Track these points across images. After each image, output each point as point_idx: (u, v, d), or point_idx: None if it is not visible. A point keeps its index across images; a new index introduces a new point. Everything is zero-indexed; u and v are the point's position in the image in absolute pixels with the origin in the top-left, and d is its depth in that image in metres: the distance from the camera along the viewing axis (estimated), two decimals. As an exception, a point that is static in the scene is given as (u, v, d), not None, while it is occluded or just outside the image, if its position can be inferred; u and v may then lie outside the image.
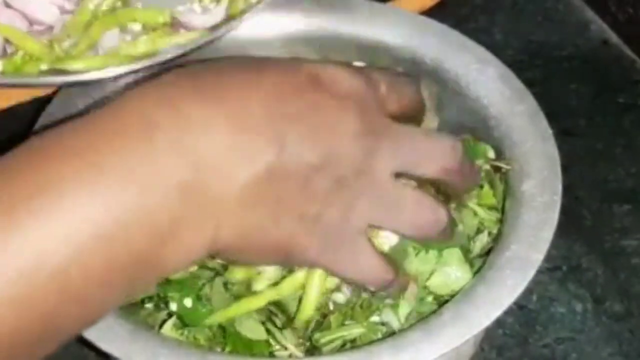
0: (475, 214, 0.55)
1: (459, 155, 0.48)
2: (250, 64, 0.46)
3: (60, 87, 0.60)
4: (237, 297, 0.52)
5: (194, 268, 0.53)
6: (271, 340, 0.51)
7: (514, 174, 0.55)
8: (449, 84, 0.61)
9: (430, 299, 0.52)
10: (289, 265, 0.49)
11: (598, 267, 0.65)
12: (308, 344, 0.50)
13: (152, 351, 0.47)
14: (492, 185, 0.56)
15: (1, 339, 0.36)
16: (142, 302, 0.53)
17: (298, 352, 0.51)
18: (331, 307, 0.51)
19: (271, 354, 0.51)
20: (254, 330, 0.51)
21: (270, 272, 0.51)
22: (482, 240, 0.54)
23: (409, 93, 0.51)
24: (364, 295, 0.51)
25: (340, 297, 0.53)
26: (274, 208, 0.42)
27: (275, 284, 0.51)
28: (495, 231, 0.55)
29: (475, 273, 0.52)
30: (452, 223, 0.50)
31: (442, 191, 0.51)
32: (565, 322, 0.62)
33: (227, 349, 0.51)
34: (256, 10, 0.61)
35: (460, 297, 0.50)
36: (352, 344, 0.50)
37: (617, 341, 0.61)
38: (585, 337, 0.62)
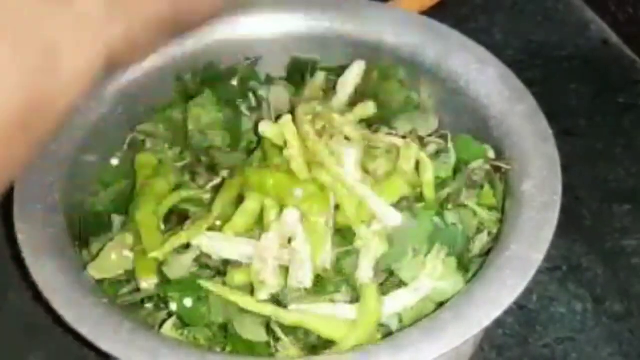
0: (475, 214, 0.55)
1: None
2: None
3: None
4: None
5: (194, 268, 0.54)
6: (271, 341, 0.51)
7: (513, 174, 0.55)
8: (448, 84, 0.61)
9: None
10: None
11: (598, 267, 0.65)
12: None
13: (152, 351, 0.47)
14: (492, 185, 0.56)
15: None
16: (142, 302, 0.53)
17: (298, 353, 0.51)
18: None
19: (271, 355, 0.51)
20: (254, 332, 0.51)
21: (272, 280, 0.51)
22: (482, 240, 0.54)
23: None
24: None
25: (340, 297, 0.53)
26: None
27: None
28: (495, 231, 0.55)
29: (475, 273, 0.52)
30: None
31: None
32: (565, 322, 0.62)
33: (228, 349, 0.51)
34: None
35: (460, 297, 0.50)
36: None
37: (617, 341, 0.61)
38: (585, 337, 0.62)
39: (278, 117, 0.57)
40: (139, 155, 0.59)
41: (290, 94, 0.62)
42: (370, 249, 0.52)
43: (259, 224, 0.54)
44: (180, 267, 0.53)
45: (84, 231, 0.56)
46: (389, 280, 0.53)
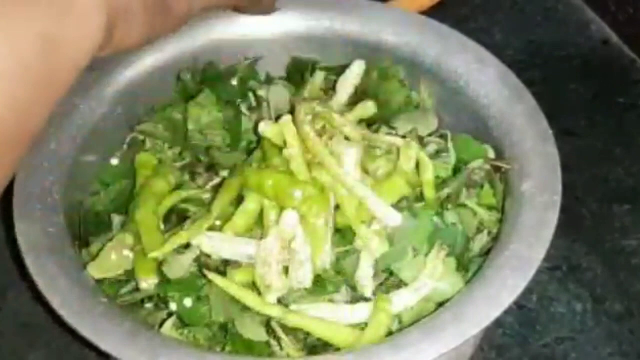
0: (475, 213, 0.55)
1: None
2: None
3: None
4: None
5: (194, 268, 0.54)
6: (271, 341, 0.51)
7: (513, 173, 0.55)
8: (448, 83, 0.61)
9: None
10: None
11: (598, 267, 0.65)
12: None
13: (152, 351, 0.47)
14: (492, 185, 0.56)
15: None
16: (142, 302, 0.53)
17: (298, 353, 0.51)
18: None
19: (271, 355, 0.51)
20: (254, 332, 0.51)
21: (278, 283, 0.51)
22: (482, 240, 0.54)
23: None
24: None
25: (339, 297, 0.53)
26: None
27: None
28: (495, 231, 0.55)
29: (475, 273, 0.52)
30: None
31: None
32: (565, 322, 0.62)
33: (227, 348, 0.51)
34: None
35: (460, 297, 0.50)
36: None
37: (617, 341, 0.62)
38: (585, 337, 0.62)
39: (278, 117, 0.57)
40: (139, 155, 0.59)
41: (290, 94, 0.62)
42: (371, 249, 0.52)
43: (259, 224, 0.54)
44: (180, 267, 0.53)
45: (84, 231, 0.56)
46: (389, 280, 0.53)
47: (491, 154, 0.57)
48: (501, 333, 0.62)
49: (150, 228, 0.54)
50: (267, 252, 0.52)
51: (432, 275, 0.51)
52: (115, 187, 0.59)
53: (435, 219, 0.53)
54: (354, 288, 0.53)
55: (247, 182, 0.54)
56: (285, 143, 0.55)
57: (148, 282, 0.53)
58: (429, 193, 0.55)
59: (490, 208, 0.56)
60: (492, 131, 0.58)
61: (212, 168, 0.59)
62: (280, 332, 0.51)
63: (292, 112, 0.57)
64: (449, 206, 0.55)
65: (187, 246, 0.54)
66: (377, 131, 0.58)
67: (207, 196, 0.57)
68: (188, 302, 0.52)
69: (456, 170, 0.57)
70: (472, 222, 0.55)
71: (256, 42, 0.64)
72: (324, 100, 0.60)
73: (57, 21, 0.40)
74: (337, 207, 0.54)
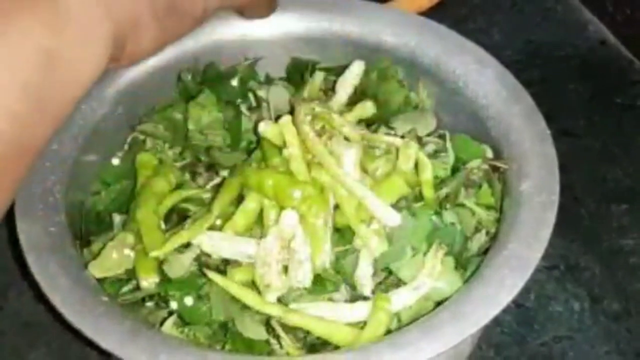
0: (473, 213, 0.55)
1: None
2: None
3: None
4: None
5: (194, 267, 0.54)
6: (271, 340, 0.51)
7: (511, 173, 0.55)
8: (447, 84, 0.61)
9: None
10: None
11: (596, 266, 0.66)
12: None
13: (153, 349, 0.48)
14: (490, 185, 0.57)
15: None
16: (143, 300, 0.54)
17: (297, 352, 0.51)
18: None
19: (270, 353, 0.51)
20: (254, 331, 0.51)
21: (278, 283, 0.52)
22: (480, 239, 0.55)
23: None
24: None
25: (339, 296, 0.53)
26: None
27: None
28: (493, 230, 0.55)
29: (473, 272, 0.52)
30: None
31: None
32: (562, 321, 0.63)
33: (228, 347, 0.51)
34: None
35: (459, 296, 0.50)
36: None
37: (615, 340, 0.62)
38: (582, 336, 0.62)
39: (278, 117, 0.57)
40: (140, 155, 0.60)
41: (290, 94, 0.62)
42: (370, 248, 0.52)
43: (259, 224, 0.55)
44: (181, 266, 0.53)
45: (85, 230, 0.57)
46: (387, 279, 0.53)
47: (489, 154, 0.58)
48: (499, 332, 0.62)
49: (150, 227, 0.55)
50: (267, 251, 0.52)
51: (431, 274, 0.52)
52: (116, 186, 0.59)
53: (434, 218, 0.54)
54: (353, 287, 0.53)
55: (247, 181, 0.55)
56: (284, 143, 0.55)
57: (149, 281, 0.53)
58: (428, 192, 0.55)
59: (488, 207, 0.56)
60: (490, 131, 0.58)
61: (212, 168, 0.59)
62: (279, 331, 0.51)
63: (291, 112, 0.57)
64: (448, 206, 0.55)
65: (188, 245, 0.54)
66: (376, 131, 0.58)
67: (207, 196, 0.57)
68: (188, 300, 0.52)
69: (454, 170, 0.57)
70: (471, 221, 0.55)
71: (256, 42, 0.64)
72: (323, 101, 0.60)
73: (56, 36, 0.40)
74: (337, 207, 0.54)
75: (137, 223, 0.55)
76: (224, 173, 0.58)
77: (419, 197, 0.55)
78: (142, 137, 0.61)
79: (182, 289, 0.52)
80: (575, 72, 0.78)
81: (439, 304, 0.51)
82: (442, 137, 0.59)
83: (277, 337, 0.51)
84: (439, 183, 0.56)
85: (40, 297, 0.50)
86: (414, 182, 0.55)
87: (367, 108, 0.59)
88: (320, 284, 0.52)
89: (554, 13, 0.83)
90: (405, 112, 0.61)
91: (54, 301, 0.49)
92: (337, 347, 0.51)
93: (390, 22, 0.63)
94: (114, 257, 0.54)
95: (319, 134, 0.56)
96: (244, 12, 0.60)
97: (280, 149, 0.56)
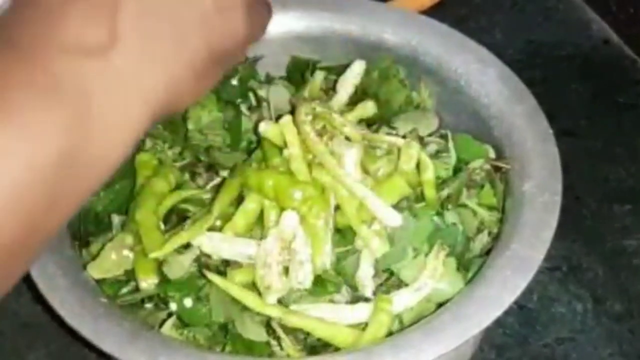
0: (475, 213, 0.55)
1: None
2: None
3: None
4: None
5: (194, 268, 0.54)
6: (271, 341, 0.51)
7: (514, 173, 0.55)
8: (449, 83, 0.61)
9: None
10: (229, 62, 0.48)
11: (598, 267, 0.65)
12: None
13: (152, 351, 0.47)
14: (492, 185, 0.56)
15: None
16: (142, 302, 0.53)
17: (298, 353, 0.51)
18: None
19: (271, 355, 0.51)
20: (254, 332, 0.51)
21: (278, 284, 0.51)
22: (482, 240, 0.54)
23: None
24: None
25: (340, 297, 0.53)
26: (173, 33, 0.41)
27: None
28: (495, 231, 0.55)
29: (476, 273, 0.52)
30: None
31: None
32: (565, 322, 0.62)
33: (228, 348, 0.51)
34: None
35: (461, 297, 0.50)
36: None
37: (617, 341, 0.61)
38: (585, 337, 0.62)
39: (278, 117, 0.57)
40: (139, 155, 0.59)
41: (290, 94, 0.62)
42: (371, 249, 0.52)
43: (259, 224, 0.54)
44: (180, 267, 0.53)
45: (84, 231, 0.56)
46: (389, 280, 0.53)
47: (491, 154, 0.57)
48: (501, 333, 0.62)
49: (150, 228, 0.54)
50: (267, 252, 0.52)
51: (433, 276, 0.51)
52: (115, 187, 0.58)
53: (436, 218, 0.53)
54: (354, 288, 0.53)
55: (247, 182, 0.54)
56: (285, 143, 0.55)
57: (148, 282, 0.53)
58: (430, 192, 0.55)
59: (490, 208, 0.56)
60: (492, 131, 0.58)
61: (212, 168, 0.59)
62: (280, 332, 0.51)
63: (292, 112, 0.57)
64: (449, 206, 0.55)
65: (187, 246, 0.54)
66: (377, 131, 0.58)
67: (207, 196, 0.57)
68: (188, 302, 0.52)
69: (456, 170, 0.57)
70: (473, 222, 0.55)
71: (256, 41, 0.64)
72: (324, 100, 0.60)
73: (79, 136, 0.37)
74: (338, 208, 0.54)
75: (136, 224, 0.54)
76: (224, 173, 0.58)
77: (421, 198, 0.55)
78: (141, 137, 0.61)
79: (181, 290, 0.52)
80: (577, 72, 0.78)
81: (440, 305, 0.51)
82: (443, 137, 0.59)
83: (278, 339, 0.51)
84: (440, 183, 0.56)
85: (40, 298, 0.50)
86: (415, 183, 0.55)
87: (368, 108, 0.59)
88: (321, 285, 0.52)
89: (555, 12, 0.83)
90: (407, 112, 0.61)
91: (52, 302, 0.49)
92: (337, 349, 0.50)
93: (392, 21, 0.63)
94: (112, 258, 0.54)
95: (320, 134, 0.55)
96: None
97: (280, 149, 0.55)
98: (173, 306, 0.52)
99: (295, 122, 0.55)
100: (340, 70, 0.62)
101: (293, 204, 0.52)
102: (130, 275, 0.54)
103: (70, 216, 0.39)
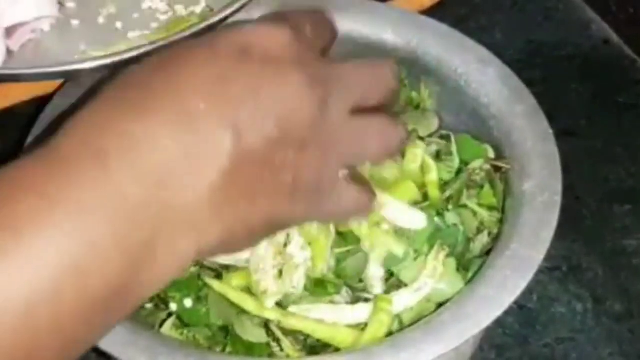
0: (475, 214, 0.55)
1: (396, 74, 0.47)
2: (174, 57, 0.43)
3: (60, 86, 0.60)
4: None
5: (195, 268, 0.53)
6: (271, 342, 0.51)
7: (514, 173, 0.55)
8: (449, 83, 0.61)
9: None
10: (281, 232, 0.49)
11: (598, 267, 0.65)
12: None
13: (152, 351, 0.47)
14: (492, 185, 0.56)
15: None
16: (142, 302, 0.53)
17: (298, 354, 0.51)
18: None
19: (271, 355, 0.51)
20: (254, 334, 0.51)
21: (274, 288, 0.51)
22: (482, 240, 0.54)
23: (328, 24, 0.49)
24: None
25: (340, 298, 0.53)
26: (248, 194, 0.41)
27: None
28: (495, 231, 0.55)
29: (476, 273, 0.52)
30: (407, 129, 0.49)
31: None
32: (565, 322, 0.62)
33: (228, 349, 0.51)
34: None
35: (460, 297, 0.50)
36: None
37: (617, 341, 0.61)
38: (585, 337, 0.62)
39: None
40: None
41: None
42: (381, 251, 0.52)
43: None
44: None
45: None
46: (389, 281, 0.53)
47: (491, 154, 0.57)
48: (501, 333, 0.62)
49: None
50: (260, 258, 0.51)
51: (432, 276, 0.51)
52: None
53: (436, 219, 0.53)
54: (354, 289, 0.53)
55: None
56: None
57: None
58: (434, 193, 0.55)
59: (490, 208, 0.56)
60: (492, 131, 0.58)
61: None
62: (279, 334, 0.50)
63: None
64: (450, 207, 0.55)
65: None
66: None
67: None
68: (188, 302, 0.52)
69: (457, 171, 0.57)
70: (473, 222, 0.55)
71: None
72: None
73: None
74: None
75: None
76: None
77: (424, 199, 0.55)
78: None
79: (181, 291, 0.52)
80: (577, 72, 0.78)
81: (440, 305, 0.51)
82: (444, 137, 0.59)
83: (277, 340, 0.51)
84: (442, 185, 0.56)
85: (39, 298, 0.50)
86: (420, 183, 0.55)
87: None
88: (321, 287, 0.52)
89: (555, 12, 0.83)
90: (407, 112, 0.61)
91: (52, 302, 0.49)
92: (337, 350, 0.50)
93: (391, 21, 0.63)
94: (112, 258, 0.54)
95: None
96: None
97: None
98: (173, 306, 0.52)
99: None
100: (340, 70, 0.62)
101: None
102: (130, 275, 0.54)
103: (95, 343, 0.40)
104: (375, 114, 0.46)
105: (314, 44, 0.46)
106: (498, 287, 0.49)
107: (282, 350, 0.51)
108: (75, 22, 0.62)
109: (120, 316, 0.40)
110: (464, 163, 0.57)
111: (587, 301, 0.63)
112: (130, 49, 0.55)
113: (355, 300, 0.52)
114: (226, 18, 0.55)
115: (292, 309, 0.51)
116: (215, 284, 0.51)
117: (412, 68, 0.62)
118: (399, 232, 0.53)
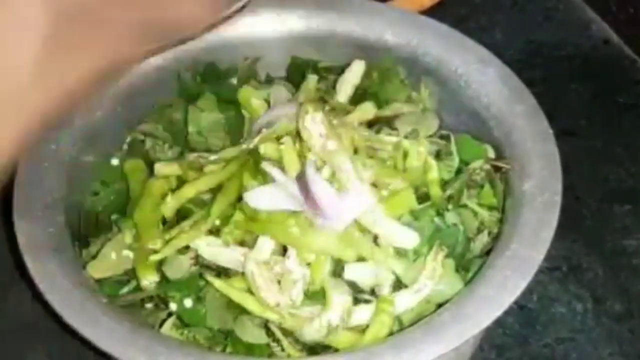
0: (476, 214, 0.55)
1: None
2: None
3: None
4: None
5: (195, 268, 0.53)
6: (271, 343, 0.51)
7: (514, 173, 0.55)
8: (449, 83, 0.61)
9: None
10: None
11: (598, 267, 0.65)
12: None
13: (152, 351, 0.47)
14: (492, 185, 0.56)
15: None
16: (142, 301, 0.53)
17: (298, 353, 0.51)
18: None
19: (271, 355, 0.51)
20: (254, 335, 0.51)
21: (273, 299, 0.51)
22: (483, 240, 0.54)
23: None
24: None
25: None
26: (75, 48, 0.41)
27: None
28: (495, 231, 0.55)
29: (475, 273, 0.52)
30: None
31: None
32: (565, 322, 0.62)
33: (228, 349, 0.51)
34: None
35: (460, 297, 0.50)
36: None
37: (617, 341, 0.61)
38: (585, 337, 0.62)
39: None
40: (127, 162, 0.59)
41: (290, 94, 0.62)
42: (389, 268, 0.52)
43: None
44: (180, 267, 0.53)
45: (84, 231, 0.56)
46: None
47: (491, 154, 0.57)
48: (501, 333, 0.62)
49: (149, 227, 0.54)
50: (253, 275, 0.51)
51: (432, 277, 0.51)
52: (115, 187, 0.58)
53: (436, 219, 0.53)
54: (354, 290, 0.53)
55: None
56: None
57: (148, 280, 0.53)
58: (435, 191, 0.55)
59: (490, 208, 0.56)
60: (492, 131, 0.58)
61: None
62: (278, 334, 0.50)
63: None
64: (450, 206, 0.55)
65: (187, 247, 0.53)
66: (378, 132, 0.58)
67: (207, 197, 0.57)
68: (188, 302, 0.52)
69: (457, 171, 0.57)
70: (473, 222, 0.55)
71: (256, 42, 0.64)
72: (323, 103, 0.59)
73: None
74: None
75: (136, 223, 0.54)
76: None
77: (424, 198, 0.55)
78: (141, 137, 0.61)
79: (181, 291, 0.52)
80: (577, 72, 0.78)
81: (440, 306, 0.51)
82: (444, 137, 0.59)
83: (277, 340, 0.51)
84: (443, 185, 0.56)
85: (39, 297, 0.50)
86: (421, 182, 0.55)
87: (366, 109, 0.59)
88: (321, 294, 0.52)
89: (555, 12, 0.83)
90: (407, 113, 0.61)
91: (52, 302, 0.49)
92: (337, 350, 0.50)
93: (392, 21, 0.63)
94: (112, 257, 0.54)
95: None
96: None
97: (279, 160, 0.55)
98: (173, 306, 0.52)
99: (299, 123, 0.55)
100: (340, 70, 0.62)
101: (289, 238, 0.52)
102: (131, 275, 0.54)
103: None
104: None
105: None
106: (498, 287, 0.49)
107: (283, 350, 0.51)
108: None
109: None
110: (464, 163, 0.57)
111: (587, 301, 0.63)
112: None
113: (355, 302, 0.52)
114: (215, 25, 0.55)
115: (292, 310, 0.51)
116: (217, 282, 0.51)
117: (412, 68, 0.62)
118: (400, 251, 0.53)
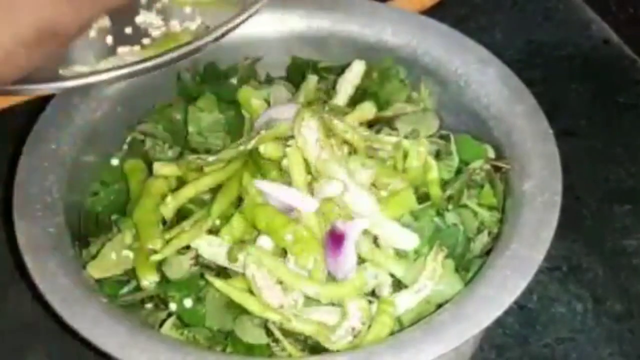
0: (476, 214, 0.55)
1: None
2: None
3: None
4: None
5: (195, 268, 0.53)
6: (271, 343, 0.51)
7: (514, 173, 0.55)
8: (449, 83, 0.61)
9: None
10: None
11: (598, 267, 0.65)
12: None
13: (152, 351, 0.47)
14: (492, 185, 0.56)
15: None
16: (142, 302, 0.53)
17: (298, 353, 0.51)
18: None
19: (271, 355, 0.51)
20: (254, 335, 0.51)
21: (277, 302, 0.51)
22: (483, 240, 0.54)
23: None
24: None
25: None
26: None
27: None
28: (495, 231, 0.55)
29: (475, 273, 0.52)
30: None
31: None
32: (565, 322, 0.62)
33: (228, 349, 0.51)
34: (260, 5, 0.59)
35: (460, 297, 0.50)
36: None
37: (617, 341, 0.61)
38: (585, 337, 0.62)
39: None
40: (127, 163, 0.59)
41: (290, 94, 0.62)
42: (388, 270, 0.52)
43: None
44: (180, 267, 0.53)
45: (84, 231, 0.56)
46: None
47: (491, 154, 0.57)
48: (501, 333, 0.62)
49: (149, 226, 0.54)
50: (253, 279, 0.51)
51: (432, 277, 0.51)
52: (115, 187, 0.58)
53: (436, 220, 0.53)
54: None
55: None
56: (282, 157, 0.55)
57: (148, 280, 0.53)
58: (435, 191, 0.55)
59: (490, 208, 0.56)
60: (492, 131, 0.58)
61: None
62: (278, 334, 0.50)
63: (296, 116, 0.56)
64: (450, 206, 0.55)
65: (187, 246, 0.53)
66: (378, 132, 0.58)
67: (207, 197, 0.57)
68: (188, 302, 0.52)
69: (457, 171, 0.57)
70: (473, 222, 0.55)
71: (256, 42, 0.64)
72: (323, 103, 0.59)
73: None
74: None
75: (136, 223, 0.54)
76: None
77: (424, 198, 0.55)
78: (141, 137, 0.61)
79: (181, 291, 0.52)
80: (577, 72, 0.78)
81: (439, 306, 0.51)
82: (444, 137, 0.59)
83: (277, 341, 0.51)
84: (442, 185, 0.56)
85: (39, 298, 0.50)
86: (421, 182, 0.55)
87: (366, 109, 0.59)
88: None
89: (555, 12, 0.83)
90: (407, 113, 0.61)
91: (52, 302, 0.49)
92: (338, 350, 0.50)
93: (392, 21, 0.63)
94: (112, 257, 0.54)
95: (322, 146, 0.54)
96: None
97: (278, 162, 0.55)
98: (173, 306, 0.52)
99: (295, 129, 0.55)
100: (340, 70, 0.62)
101: (285, 244, 0.52)
102: (131, 275, 0.54)
103: None
104: None
105: None
106: (498, 287, 0.49)
107: (283, 349, 0.51)
108: None
109: None
110: (464, 163, 0.57)
111: (587, 301, 0.63)
112: (111, 69, 0.54)
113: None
114: (217, 39, 0.55)
115: (293, 310, 0.51)
116: (217, 282, 0.51)
117: (412, 68, 0.62)
118: (400, 253, 0.53)
